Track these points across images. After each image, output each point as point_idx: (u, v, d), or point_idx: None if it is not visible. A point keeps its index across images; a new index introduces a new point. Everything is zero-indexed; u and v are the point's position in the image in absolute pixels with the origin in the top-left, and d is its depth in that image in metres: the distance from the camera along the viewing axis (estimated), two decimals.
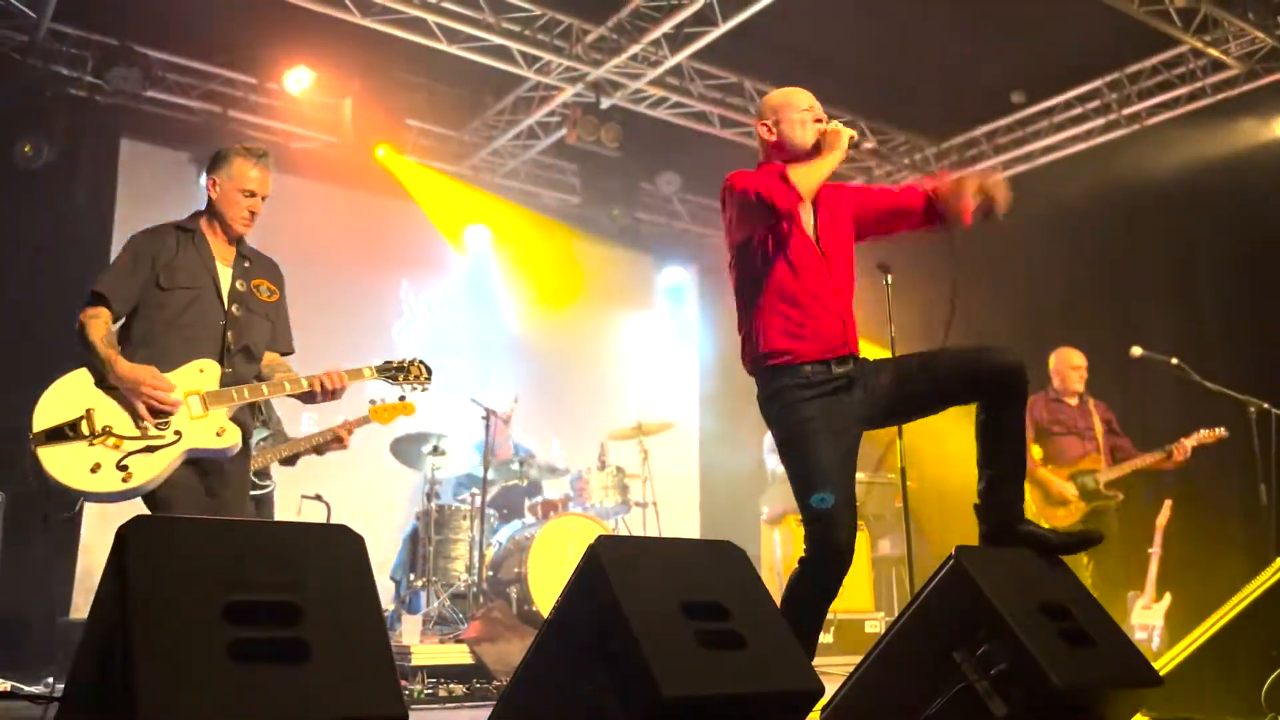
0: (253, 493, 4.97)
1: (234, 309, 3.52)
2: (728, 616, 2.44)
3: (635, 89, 7.66)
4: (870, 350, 3.27)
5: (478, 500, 6.60)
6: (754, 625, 2.46)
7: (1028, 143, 8.36)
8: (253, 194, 3.56)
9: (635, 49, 7.18)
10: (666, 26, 6.95)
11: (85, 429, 3.20)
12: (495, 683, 5.29)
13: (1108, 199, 7.64)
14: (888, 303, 5.09)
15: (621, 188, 9.01)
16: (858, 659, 2.92)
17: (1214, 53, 6.99)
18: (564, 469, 7.46)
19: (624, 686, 2.21)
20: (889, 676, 2.77)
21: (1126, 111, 7.72)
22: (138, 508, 3.20)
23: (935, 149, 8.93)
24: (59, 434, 3.17)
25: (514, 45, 7.17)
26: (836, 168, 3.10)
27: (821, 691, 2.47)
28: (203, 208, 3.65)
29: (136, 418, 3.24)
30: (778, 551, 7.45)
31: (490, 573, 6.45)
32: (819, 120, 3.21)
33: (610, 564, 2.35)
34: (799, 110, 3.22)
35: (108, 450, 3.19)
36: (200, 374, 3.38)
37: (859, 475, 3.14)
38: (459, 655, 5.52)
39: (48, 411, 3.21)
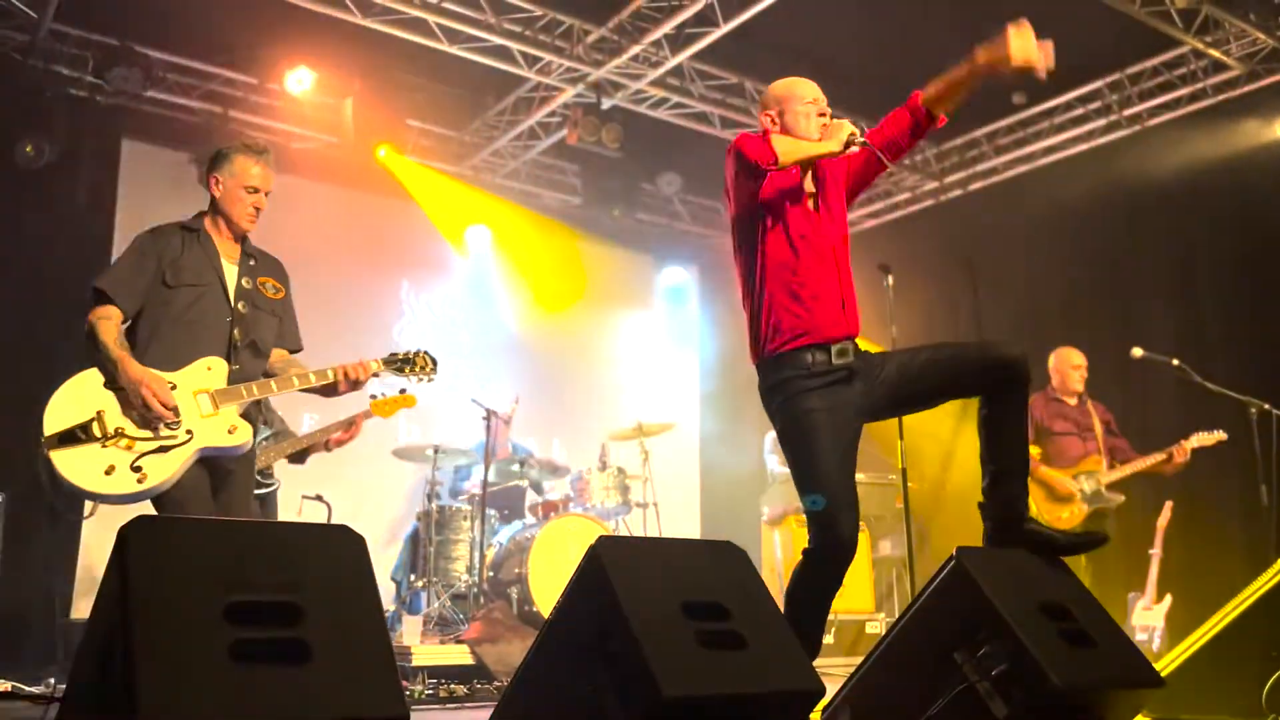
0: (256, 491, 4.98)
1: (240, 306, 3.52)
2: (728, 617, 2.44)
3: (636, 89, 7.67)
4: (871, 348, 3.26)
5: (478, 500, 6.61)
6: (754, 625, 2.46)
7: (1029, 143, 8.36)
8: (256, 190, 3.57)
9: (636, 49, 7.18)
10: (667, 27, 6.95)
11: (97, 431, 3.19)
12: (496, 683, 5.29)
13: (1109, 200, 7.64)
14: (888, 303, 5.10)
15: (622, 188, 9.00)
16: (858, 660, 2.92)
17: (1215, 53, 6.99)
18: (564, 466, 7.46)
19: (624, 687, 2.21)
20: (890, 677, 2.77)
21: (1127, 112, 7.72)
22: (141, 508, 3.20)
23: (936, 149, 8.94)
24: (71, 437, 3.16)
25: (515, 46, 7.17)
26: (827, 156, 3.09)
27: (822, 692, 2.47)
28: (205, 207, 3.66)
29: (145, 420, 3.24)
30: (778, 552, 7.45)
31: (491, 573, 6.45)
32: (822, 115, 3.20)
33: (611, 564, 2.35)
34: (803, 103, 3.22)
35: (121, 452, 3.19)
36: (208, 372, 3.38)
37: (860, 476, 3.13)
38: (460, 656, 5.52)
39: (58, 414, 3.19)
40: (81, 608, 6.37)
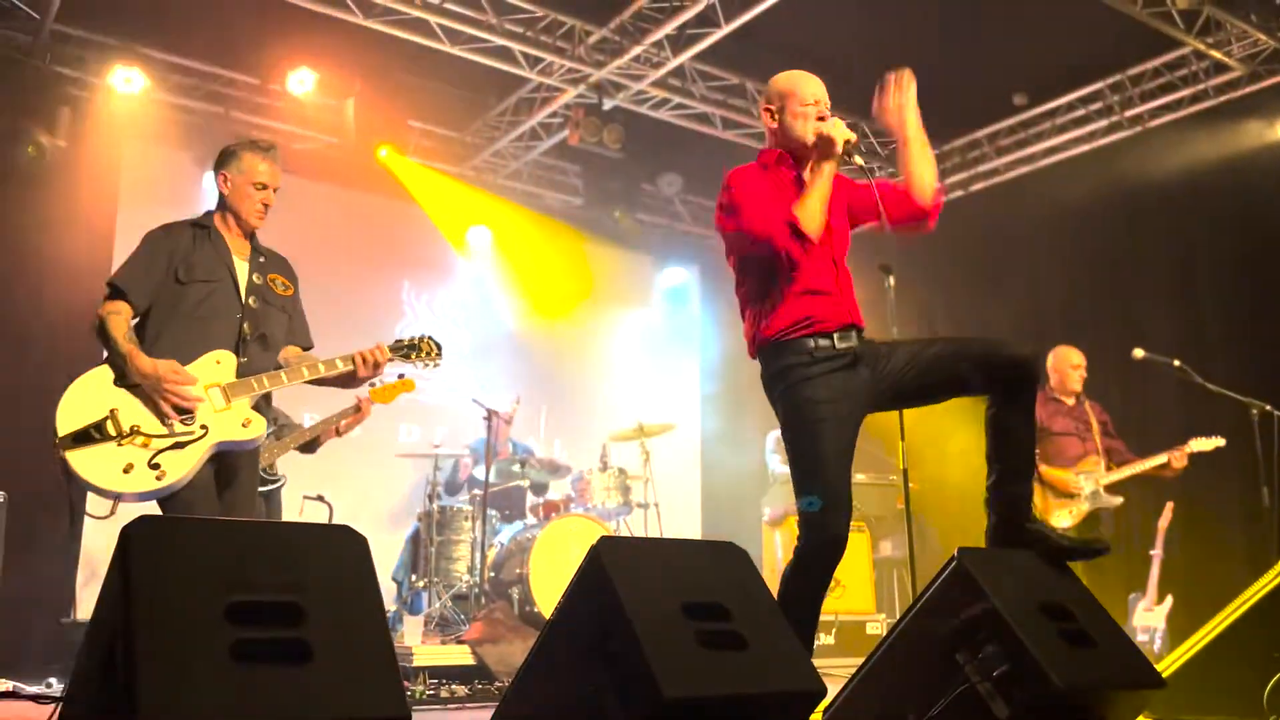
0: (261, 489, 4.98)
1: (251, 301, 3.53)
2: (729, 617, 2.44)
3: (637, 90, 7.67)
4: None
5: (479, 500, 6.61)
6: (755, 626, 2.46)
7: (1030, 144, 8.36)
8: (264, 186, 3.59)
9: (637, 50, 7.18)
10: (669, 28, 6.95)
11: (112, 429, 3.18)
12: (497, 684, 5.29)
13: (1110, 200, 7.64)
14: (889, 304, 5.09)
15: (623, 189, 9.01)
16: (859, 660, 2.92)
17: (1216, 55, 6.99)
18: (565, 466, 7.46)
19: (625, 687, 2.21)
20: (891, 678, 2.77)
21: (1129, 113, 7.72)
22: (146, 507, 3.20)
23: (937, 151, 8.90)
24: (85, 436, 3.15)
25: (516, 46, 7.18)
26: (833, 175, 3.09)
27: (823, 692, 2.47)
28: (213, 206, 3.68)
29: (161, 415, 3.23)
30: (779, 552, 7.45)
31: (492, 574, 6.45)
32: (823, 118, 3.18)
33: (612, 565, 2.35)
34: (803, 103, 3.19)
35: (138, 449, 3.18)
36: (217, 365, 3.38)
37: (860, 476, 3.12)
38: (461, 656, 5.52)
39: (70, 414, 3.18)
40: (83, 608, 6.37)
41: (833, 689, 2.62)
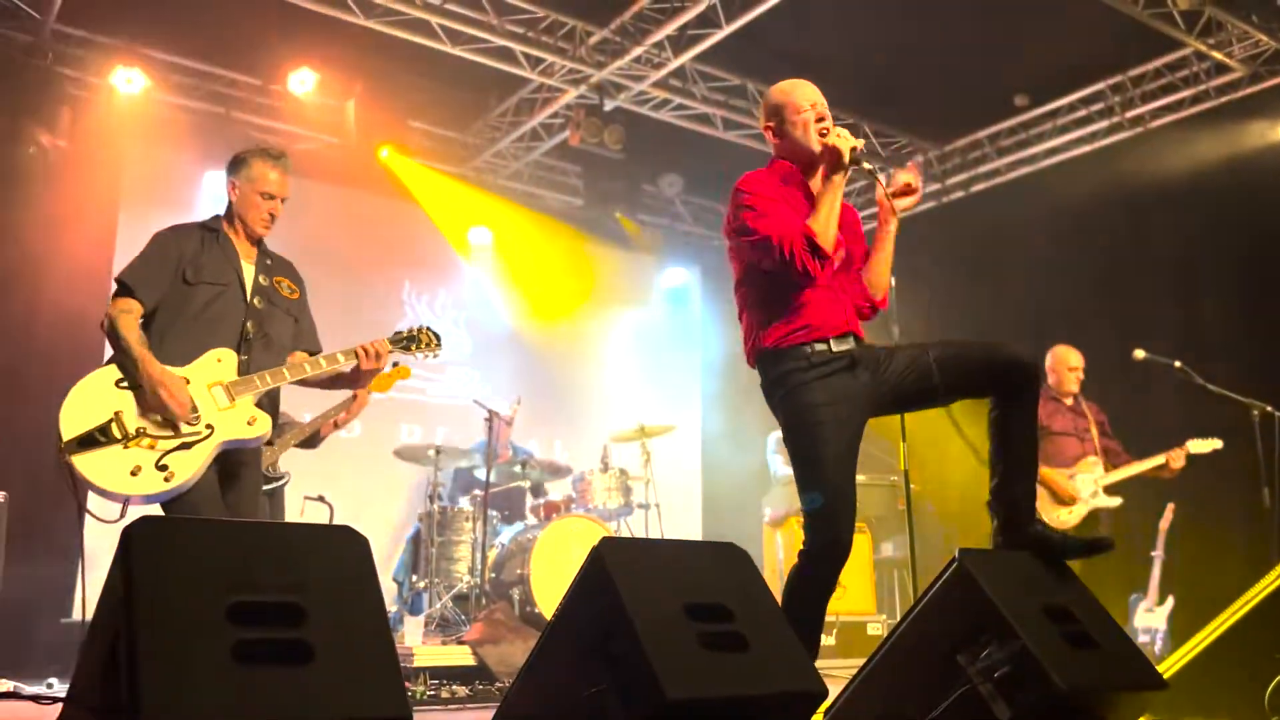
0: (266, 487, 4.98)
1: (256, 301, 3.54)
2: (731, 618, 2.44)
3: (638, 91, 7.67)
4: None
5: (480, 501, 6.61)
6: (757, 627, 2.46)
7: (1031, 145, 8.36)
8: (272, 196, 3.59)
9: (639, 51, 7.19)
10: (670, 29, 6.95)
11: (118, 432, 3.17)
12: (498, 684, 5.29)
13: (1111, 201, 7.64)
14: (890, 304, 5.08)
15: (624, 189, 9.01)
16: (860, 662, 2.92)
17: (1217, 55, 6.99)
18: (566, 467, 7.46)
19: (627, 688, 2.21)
20: (893, 679, 2.77)
21: (1130, 114, 7.72)
22: (148, 509, 3.19)
23: (938, 151, 8.94)
24: (91, 440, 3.14)
25: (517, 47, 7.18)
26: (844, 186, 3.08)
27: (825, 694, 2.47)
28: (221, 208, 3.68)
29: (165, 417, 3.23)
30: (780, 553, 7.45)
31: (493, 574, 6.45)
32: (821, 119, 3.17)
33: (614, 566, 2.35)
34: (800, 111, 3.17)
35: (145, 451, 3.18)
36: (218, 364, 3.38)
37: (861, 477, 3.11)
38: (461, 657, 5.52)
39: (74, 418, 3.16)
40: (85, 608, 6.37)
41: (834, 690, 2.62)
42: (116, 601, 1.95)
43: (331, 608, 2.09)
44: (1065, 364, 6.02)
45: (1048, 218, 8.00)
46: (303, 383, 3.64)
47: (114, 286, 3.41)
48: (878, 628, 7.10)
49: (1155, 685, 2.75)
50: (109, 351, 3.38)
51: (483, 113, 8.46)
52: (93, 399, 3.21)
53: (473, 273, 9.11)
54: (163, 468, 3.17)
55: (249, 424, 3.35)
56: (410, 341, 3.81)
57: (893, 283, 5.02)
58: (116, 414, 3.20)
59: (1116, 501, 5.80)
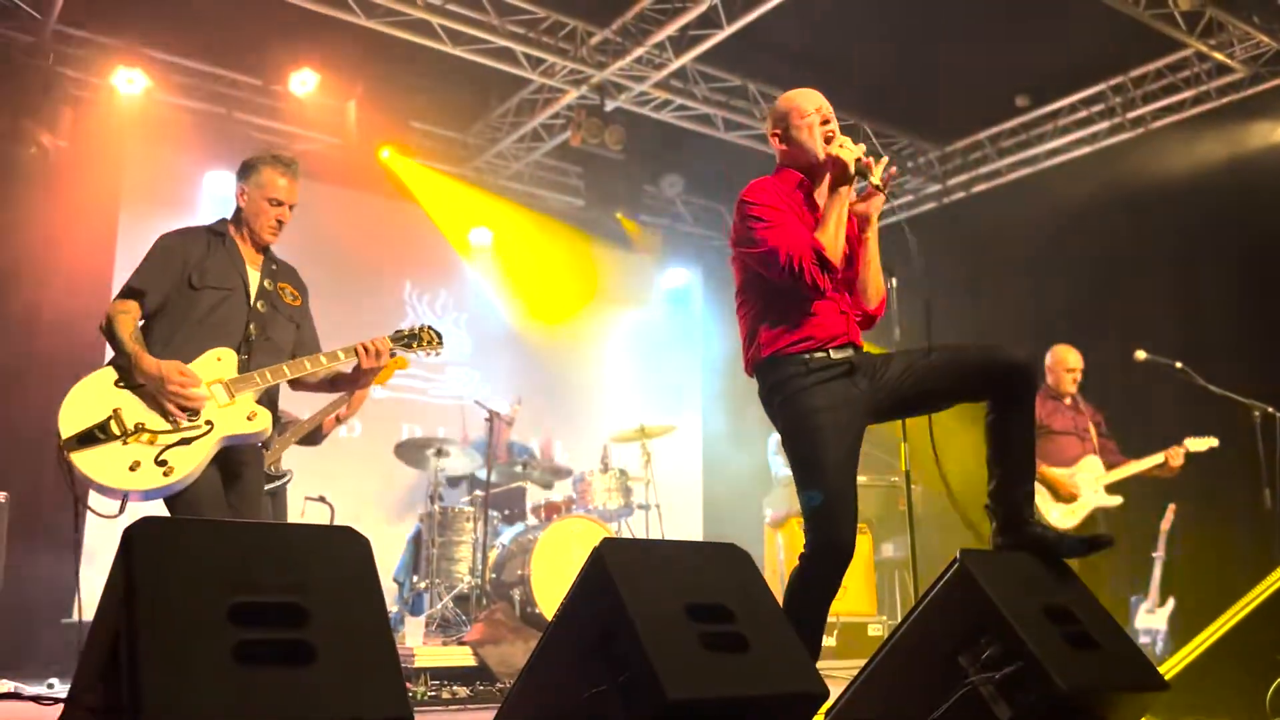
0: (268, 486, 4.98)
1: (259, 304, 3.54)
2: (732, 619, 2.44)
3: (639, 91, 7.67)
4: (875, 351, 3.25)
5: (480, 501, 6.61)
6: (758, 628, 2.46)
7: (1032, 146, 8.36)
8: (280, 203, 3.58)
9: (640, 52, 7.19)
10: (671, 29, 6.95)
11: (116, 429, 3.18)
12: (498, 685, 5.29)
13: (1112, 202, 7.64)
14: (891, 305, 5.08)
15: (625, 190, 9.01)
16: (860, 662, 2.92)
17: (1218, 56, 7.00)
18: (566, 468, 7.46)
19: (628, 689, 2.21)
20: (894, 680, 2.77)
21: (1131, 115, 7.72)
22: (151, 507, 3.19)
23: (939, 152, 8.94)
24: (90, 437, 3.14)
25: (518, 48, 7.18)
26: (850, 198, 3.08)
27: (826, 695, 2.47)
28: (229, 214, 3.68)
29: (166, 414, 3.23)
30: (781, 554, 7.45)
31: (493, 575, 6.45)
32: (826, 122, 3.18)
33: (615, 566, 2.35)
34: (803, 115, 3.18)
35: (144, 447, 3.18)
36: (218, 362, 3.38)
37: (861, 478, 3.11)
38: (462, 657, 5.52)
39: (73, 416, 3.17)
40: (85, 609, 6.37)
41: (835, 691, 2.62)
42: (118, 602, 1.95)
43: (333, 608, 2.09)
44: (1064, 365, 6.03)
45: (1049, 219, 8.00)
46: (302, 383, 3.64)
47: (118, 288, 3.42)
48: (878, 628, 7.10)
49: (1156, 686, 2.75)
50: (109, 353, 3.39)
51: (484, 113, 8.46)
52: (92, 397, 3.22)
53: (473, 273, 9.11)
54: (162, 463, 3.17)
55: (249, 419, 3.35)
56: (412, 340, 3.81)
57: (893, 284, 5.02)
58: (115, 411, 3.20)
59: (1117, 501, 5.80)
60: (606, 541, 2.44)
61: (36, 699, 4.42)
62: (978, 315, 8.16)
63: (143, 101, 7.23)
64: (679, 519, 8.24)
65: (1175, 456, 5.75)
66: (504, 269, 9.17)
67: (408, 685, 4.98)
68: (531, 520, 6.97)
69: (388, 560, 6.95)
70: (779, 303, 3.08)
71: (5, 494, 5.30)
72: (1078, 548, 3.05)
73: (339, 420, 5.38)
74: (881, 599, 7.59)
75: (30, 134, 6.81)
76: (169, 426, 3.22)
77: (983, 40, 7.07)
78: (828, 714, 2.78)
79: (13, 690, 4.61)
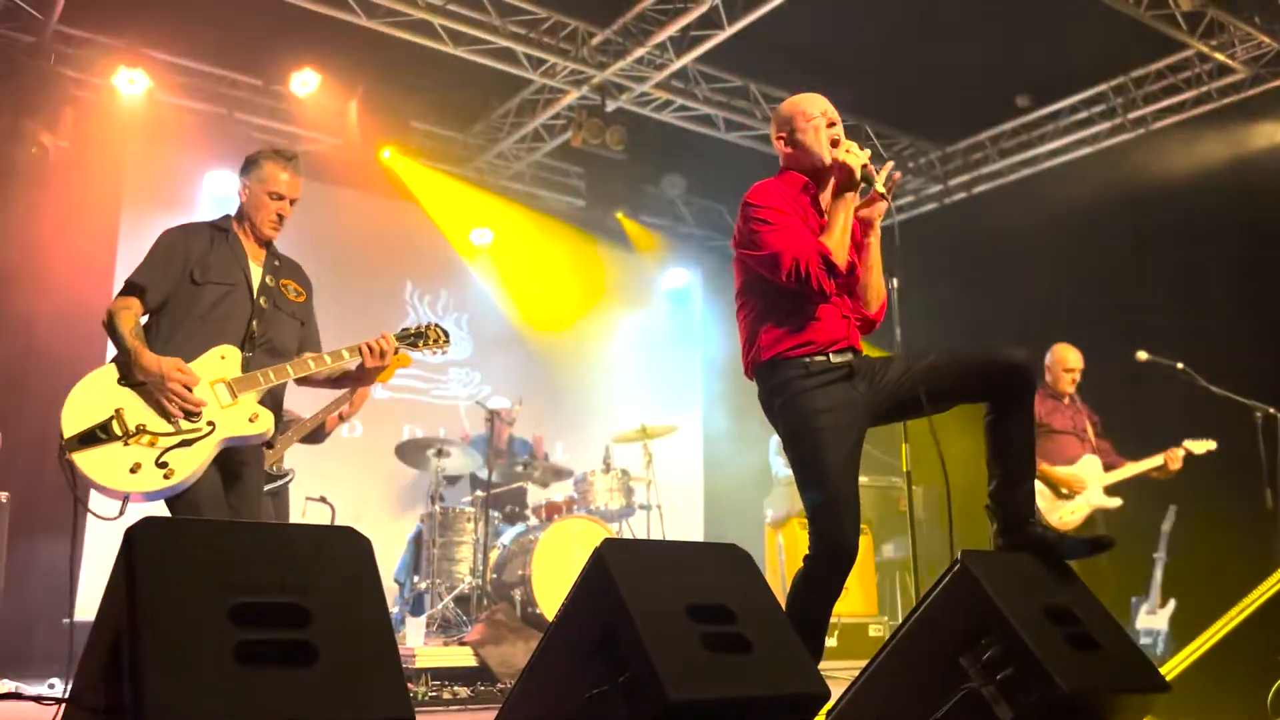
0: (270, 486, 4.97)
1: (262, 301, 3.52)
2: (733, 619, 2.44)
3: (641, 92, 7.67)
4: (875, 354, 3.25)
5: (481, 501, 6.61)
6: (760, 628, 2.46)
7: (1033, 146, 8.36)
8: (281, 197, 3.57)
9: (641, 52, 7.18)
10: (672, 30, 6.95)
11: (118, 429, 3.17)
12: (499, 685, 5.29)
13: (1113, 202, 7.64)
14: (893, 306, 5.08)
15: (626, 191, 9.01)
16: (861, 663, 2.92)
17: (1220, 57, 7.00)
18: (568, 469, 7.46)
19: (629, 689, 2.21)
20: (895, 680, 2.77)
21: (1132, 115, 7.72)
22: (151, 508, 3.19)
23: (940, 153, 8.93)
24: (91, 437, 3.13)
25: (519, 48, 7.18)
26: (855, 202, 3.09)
27: (827, 695, 2.47)
28: (233, 211, 3.67)
29: (166, 414, 3.22)
30: (781, 554, 7.45)
31: (494, 575, 6.45)
32: (832, 125, 3.18)
33: (616, 567, 2.35)
34: (809, 118, 3.18)
35: (144, 449, 3.17)
36: (221, 361, 3.37)
37: (862, 479, 3.11)
38: (463, 658, 5.52)
39: (75, 415, 3.16)
40: (87, 609, 6.37)
41: (836, 691, 2.62)
42: (119, 602, 1.95)
43: (334, 609, 2.09)
44: (1063, 365, 6.03)
45: (1050, 219, 8.00)
46: (306, 381, 3.64)
47: (120, 287, 3.41)
48: (879, 629, 7.10)
49: (1158, 687, 2.75)
50: (111, 352, 3.38)
51: (484, 114, 8.46)
52: (94, 397, 3.21)
53: (474, 274, 9.11)
54: (162, 465, 3.16)
55: (250, 421, 3.34)
56: (419, 338, 3.79)
57: (894, 284, 5.03)
58: (117, 411, 3.19)
59: (1116, 502, 5.80)
60: (608, 542, 2.44)
61: (37, 699, 4.41)
62: (979, 316, 8.15)
63: (144, 102, 7.23)
64: (680, 519, 8.24)
65: (1174, 459, 5.75)
66: (505, 269, 9.18)
67: (408, 686, 4.98)
68: (532, 520, 6.98)
69: (388, 560, 6.96)
70: (780, 306, 3.08)
71: (6, 494, 5.30)
72: (1079, 549, 3.05)
73: (342, 419, 5.37)
74: (882, 599, 7.59)
75: (31, 134, 6.81)
76: (170, 428, 3.21)
77: (984, 41, 7.07)
78: (829, 715, 2.78)
79: (13, 690, 4.61)
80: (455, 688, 5.25)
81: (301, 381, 3.62)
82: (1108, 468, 5.85)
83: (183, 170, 7.59)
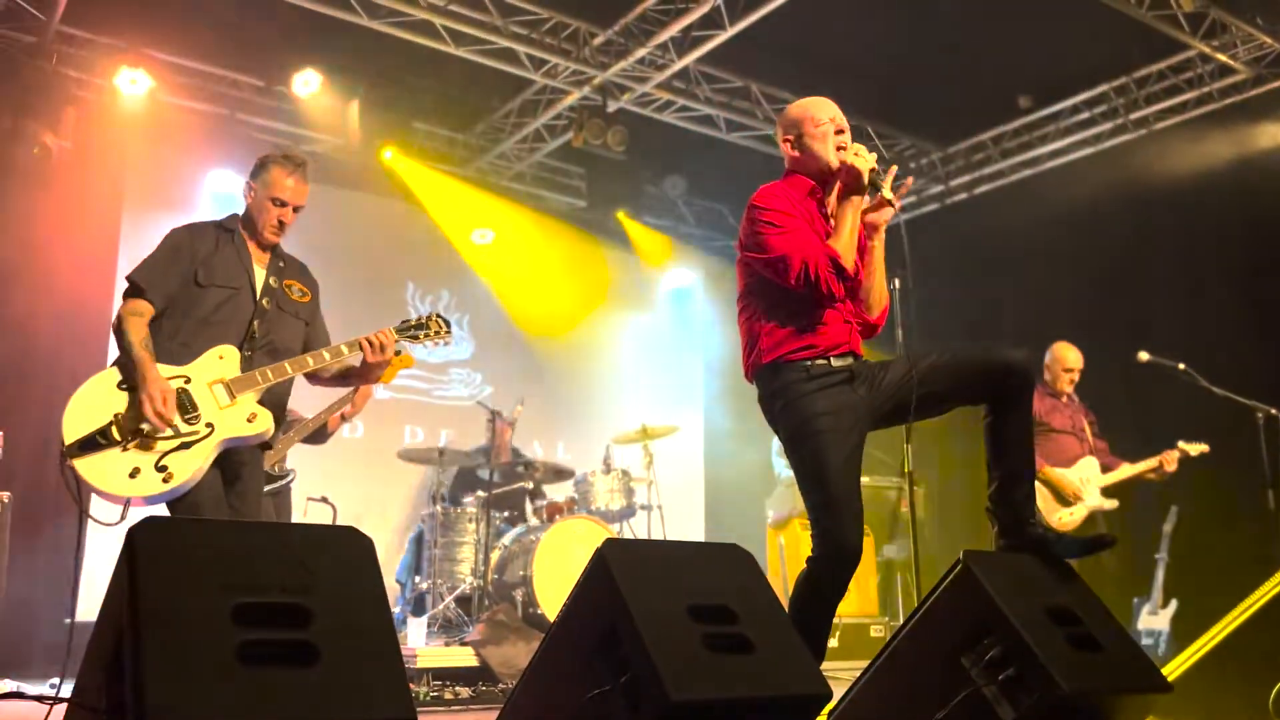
0: (271, 486, 4.97)
1: (264, 301, 3.51)
2: (735, 620, 2.44)
3: (642, 92, 7.67)
4: (876, 356, 3.25)
5: (483, 502, 6.61)
6: (761, 629, 2.46)
7: (1035, 147, 8.36)
8: (284, 203, 3.55)
9: (642, 52, 7.18)
10: (674, 30, 6.95)
11: (116, 434, 3.16)
12: (501, 686, 5.29)
13: (1115, 203, 7.64)
14: (894, 307, 5.08)
15: (627, 191, 9.01)
16: (863, 664, 2.92)
17: (1221, 57, 6.99)
18: (569, 469, 7.46)
19: (631, 690, 2.21)
20: (897, 681, 2.77)
21: (1134, 116, 7.72)
22: (152, 510, 3.19)
23: (942, 153, 8.93)
24: (91, 443, 3.13)
25: (521, 48, 7.18)
26: (862, 206, 3.09)
27: (829, 696, 2.47)
28: (240, 211, 3.67)
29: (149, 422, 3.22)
30: (783, 555, 7.45)
31: (496, 575, 6.45)
32: (840, 132, 3.18)
33: (617, 567, 2.35)
34: (817, 124, 3.18)
35: (143, 453, 3.17)
36: (220, 361, 3.36)
37: (863, 479, 3.11)
38: (464, 658, 5.52)
39: (76, 421, 3.16)
40: (88, 609, 6.38)
41: (837, 692, 2.62)
42: (121, 602, 1.95)
43: (336, 609, 2.09)
44: (1062, 364, 6.02)
45: (1051, 220, 8.00)
46: (308, 379, 3.63)
47: (125, 285, 3.40)
48: (880, 630, 7.10)
49: (1159, 688, 2.75)
50: (113, 353, 3.38)
51: (486, 114, 8.46)
52: (95, 402, 3.21)
53: (476, 274, 9.11)
54: (162, 469, 3.16)
55: (249, 421, 3.33)
56: (418, 330, 3.73)
57: (896, 285, 5.02)
58: (116, 416, 3.19)
59: (1114, 504, 5.80)
60: (609, 542, 2.44)
61: (39, 699, 4.42)
62: (981, 316, 8.16)
63: (146, 102, 7.22)
64: (681, 520, 8.24)
65: (1170, 461, 5.75)
66: (506, 270, 9.18)
67: (410, 686, 4.98)
68: (534, 521, 6.97)
69: (390, 561, 6.96)
70: (782, 309, 3.08)
71: (8, 494, 5.31)
72: (1079, 548, 3.05)
73: (344, 418, 5.37)
74: (884, 600, 7.58)
75: (33, 134, 6.81)
76: (169, 431, 3.20)
77: (985, 41, 7.07)
78: (830, 715, 2.78)
79: (15, 690, 4.62)
80: (457, 688, 5.25)
81: (310, 379, 3.61)
82: (1104, 469, 5.84)
83: (184, 171, 7.59)
